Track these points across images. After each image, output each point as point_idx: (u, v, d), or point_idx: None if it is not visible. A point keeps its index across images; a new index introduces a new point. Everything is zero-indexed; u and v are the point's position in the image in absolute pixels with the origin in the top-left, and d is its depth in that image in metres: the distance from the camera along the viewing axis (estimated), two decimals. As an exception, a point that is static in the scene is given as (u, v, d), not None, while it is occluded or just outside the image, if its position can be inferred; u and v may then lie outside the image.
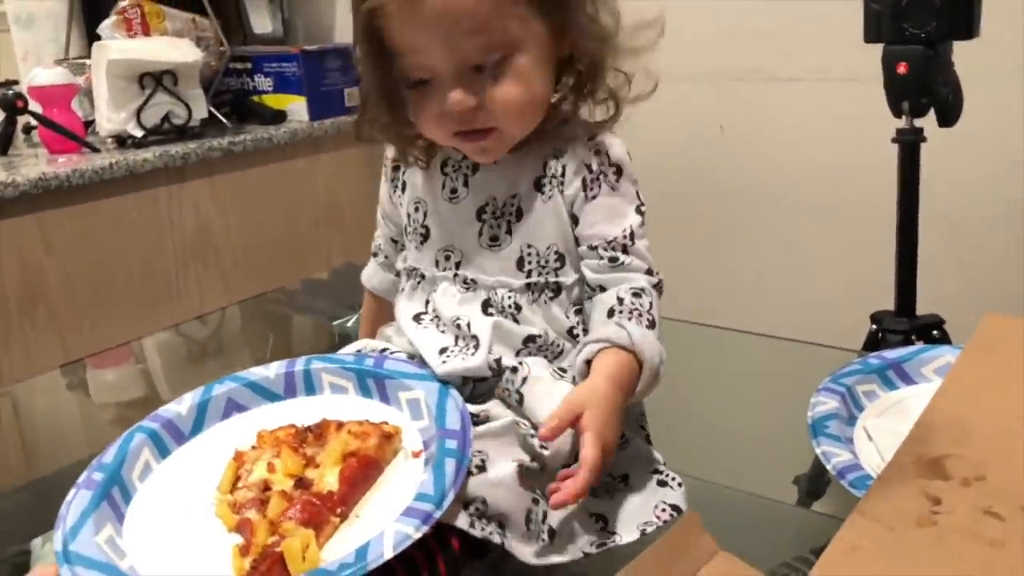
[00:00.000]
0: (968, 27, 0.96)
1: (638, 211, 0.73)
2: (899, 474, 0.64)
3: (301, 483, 0.65)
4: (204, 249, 1.76)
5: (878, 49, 1.01)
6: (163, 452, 0.72)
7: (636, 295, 0.70)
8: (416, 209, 0.78)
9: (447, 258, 0.76)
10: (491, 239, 0.74)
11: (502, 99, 0.67)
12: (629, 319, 0.68)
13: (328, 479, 0.64)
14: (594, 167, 0.72)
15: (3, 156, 1.68)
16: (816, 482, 0.93)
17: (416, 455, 0.68)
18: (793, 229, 1.52)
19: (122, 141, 1.72)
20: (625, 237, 0.72)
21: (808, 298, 1.49)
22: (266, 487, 0.65)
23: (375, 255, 0.89)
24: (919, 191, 1.02)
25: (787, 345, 1.00)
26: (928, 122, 1.05)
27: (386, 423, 0.69)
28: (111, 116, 1.69)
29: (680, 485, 0.70)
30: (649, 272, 0.72)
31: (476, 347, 0.71)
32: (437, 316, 0.76)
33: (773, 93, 1.54)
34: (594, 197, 0.72)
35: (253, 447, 0.71)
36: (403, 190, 0.80)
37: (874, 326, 1.05)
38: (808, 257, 1.50)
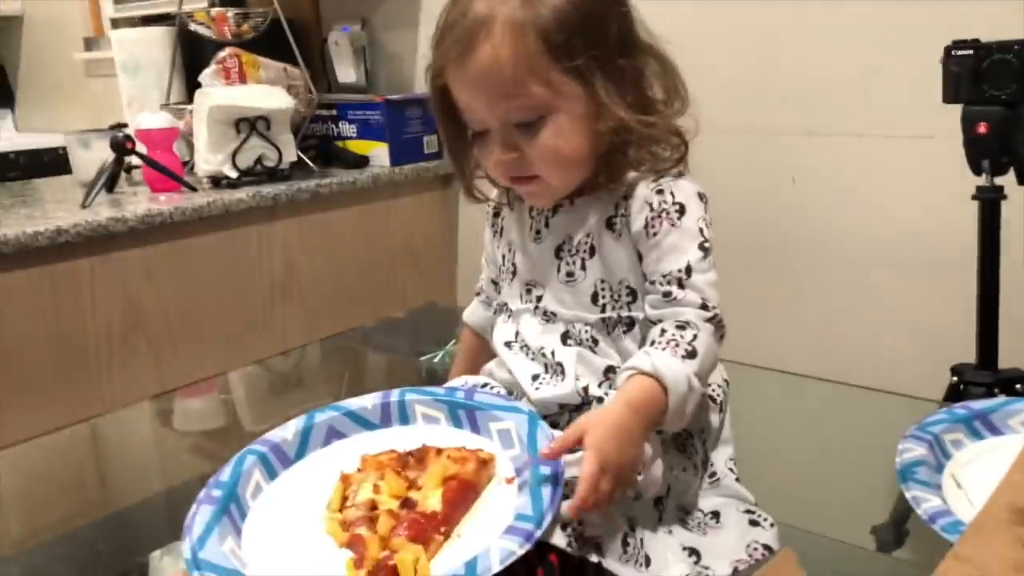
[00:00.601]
0: (1049, 89, 0.98)
1: (701, 247, 0.75)
2: (993, 521, 0.65)
3: (406, 503, 0.69)
4: (290, 286, 1.84)
5: (947, 108, 1.04)
6: (271, 474, 0.78)
7: (680, 327, 0.71)
8: (509, 250, 0.85)
9: (528, 291, 0.82)
10: (568, 275, 0.79)
11: (540, 154, 0.74)
12: (663, 349, 0.70)
13: (431, 500, 0.69)
14: (655, 205, 0.75)
15: (110, 194, 1.79)
16: (895, 532, 0.94)
17: (509, 481, 0.72)
18: (865, 281, 1.53)
19: (217, 182, 1.82)
20: (680, 272, 0.74)
21: (883, 350, 1.49)
22: (373, 507, 0.70)
23: (478, 294, 0.95)
24: (1000, 245, 1.03)
25: (867, 394, 1.02)
26: (1007, 180, 1.07)
27: (481, 450, 0.74)
28: (209, 158, 1.79)
29: (772, 526, 0.73)
30: (704, 307, 0.73)
31: (563, 375, 0.76)
32: (525, 345, 0.81)
33: (844, 148, 1.57)
34: (655, 234, 0.75)
35: (358, 470, 0.76)
36: (501, 235, 0.87)
37: (955, 378, 1.06)
38: (882, 308, 1.51)
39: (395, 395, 0.84)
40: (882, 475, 0.85)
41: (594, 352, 0.77)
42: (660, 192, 0.76)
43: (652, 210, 0.75)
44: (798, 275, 1.61)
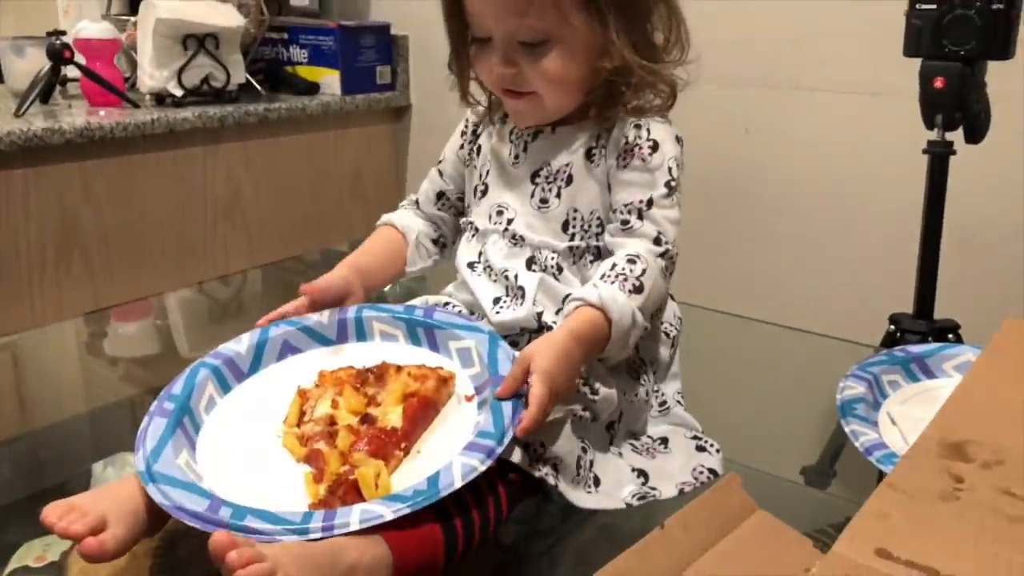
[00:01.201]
0: (1005, 48, 1.00)
1: (667, 185, 0.76)
2: (924, 454, 0.69)
3: (366, 419, 0.69)
4: (233, 211, 1.79)
5: (902, 66, 1.06)
6: (225, 387, 0.77)
7: (631, 261, 0.73)
8: (484, 169, 0.85)
9: (499, 213, 0.82)
10: (541, 201, 0.79)
11: (539, 73, 0.75)
12: (611, 282, 0.71)
13: (391, 416, 0.69)
14: (630, 139, 0.77)
15: (44, 105, 1.71)
16: (825, 471, 0.98)
17: (469, 399, 0.72)
18: (813, 232, 1.57)
19: (161, 99, 1.75)
20: (642, 203, 0.75)
21: (826, 297, 1.53)
22: (332, 422, 0.70)
23: (407, 202, 0.94)
24: (944, 202, 1.06)
25: (809, 337, 1.05)
26: (955, 137, 1.09)
27: (441, 368, 0.74)
28: (154, 73, 1.72)
29: (718, 451, 0.75)
30: (657, 241, 0.75)
31: (522, 299, 0.76)
32: (489, 266, 0.81)
33: (798, 101, 1.58)
34: (625, 166, 0.77)
35: (316, 385, 0.75)
36: (477, 153, 0.86)
37: (892, 326, 1.10)
38: (827, 259, 1.54)
39: (352, 311, 0.82)
40: (817, 415, 0.88)
41: (557, 279, 0.77)
42: (638, 127, 0.77)
43: (627, 143, 0.76)
44: (749, 223, 1.64)
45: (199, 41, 1.74)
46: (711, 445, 0.76)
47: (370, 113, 2.03)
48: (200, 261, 1.74)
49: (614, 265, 0.73)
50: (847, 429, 0.76)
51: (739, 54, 1.61)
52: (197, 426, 0.72)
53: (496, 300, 0.78)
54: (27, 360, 1.32)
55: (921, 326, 1.06)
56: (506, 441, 0.63)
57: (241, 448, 0.70)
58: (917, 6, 1.03)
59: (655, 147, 0.76)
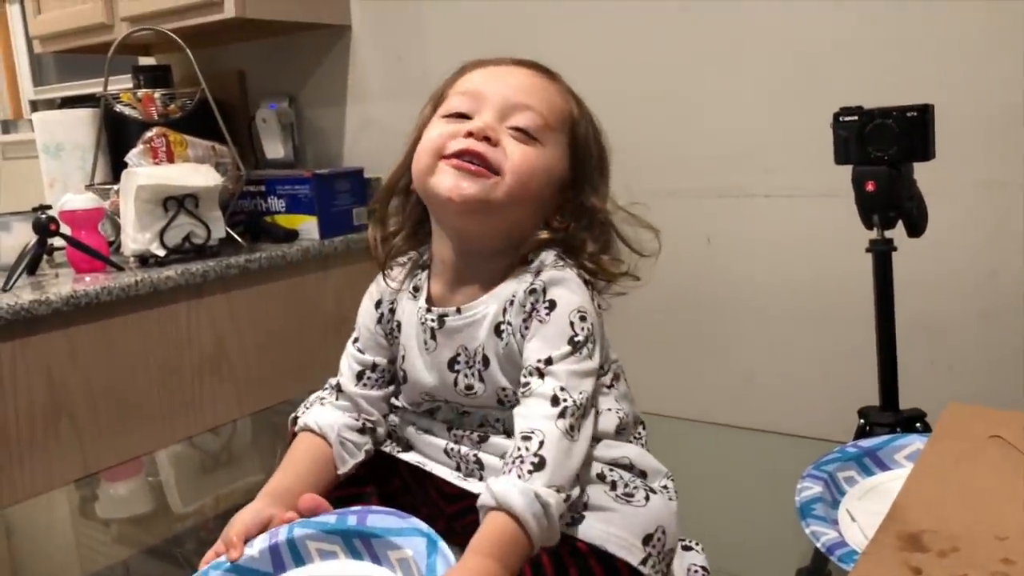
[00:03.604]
0: (924, 150, 1.07)
1: (570, 342, 0.72)
2: (882, 549, 0.70)
3: None
4: (219, 362, 1.83)
5: (842, 169, 1.12)
6: None
7: (525, 439, 0.68)
8: (402, 354, 0.83)
9: (430, 399, 0.81)
10: (467, 387, 0.78)
11: (518, 156, 0.73)
12: (509, 471, 0.67)
13: None
14: (527, 307, 0.74)
15: (31, 276, 1.77)
16: (817, 574, 0.98)
17: None
18: (780, 332, 1.60)
19: (144, 260, 1.81)
20: (540, 362, 0.71)
21: (798, 396, 1.56)
22: None
23: (338, 388, 0.87)
24: (894, 295, 1.11)
25: (778, 439, 1.07)
26: (898, 233, 1.15)
27: None
28: (136, 237, 1.79)
29: (703, 550, 0.76)
30: (555, 401, 0.69)
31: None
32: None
33: (752, 208, 1.66)
34: (527, 331, 0.74)
35: None
36: (399, 329, 0.84)
37: (862, 420, 1.12)
38: (794, 357, 1.58)
39: (282, 533, 0.76)
40: (794, 518, 0.89)
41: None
42: (532, 292, 0.74)
43: (525, 311, 0.74)
44: (715, 329, 1.68)
45: (179, 202, 1.82)
46: (695, 544, 0.77)
47: (349, 253, 2.09)
48: (188, 416, 1.76)
49: (514, 450, 0.69)
50: (807, 530, 0.77)
51: (695, 169, 1.70)
52: None
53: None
54: (20, 531, 1.32)
55: (888, 418, 1.09)
56: None
57: None
58: (841, 119, 1.11)
59: (552, 306, 0.73)
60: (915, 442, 0.91)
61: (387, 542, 0.72)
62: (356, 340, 0.86)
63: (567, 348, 0.71)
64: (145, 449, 1.60)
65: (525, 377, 0.72)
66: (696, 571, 0.75)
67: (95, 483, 1.49)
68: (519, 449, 0.68)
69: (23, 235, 1.82)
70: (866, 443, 0.92)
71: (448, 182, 0.73)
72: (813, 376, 1.54)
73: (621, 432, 0.77)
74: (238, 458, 1.68)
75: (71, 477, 1.52)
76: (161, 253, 1.80)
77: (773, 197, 1.62)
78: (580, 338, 0.72)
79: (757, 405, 1.58)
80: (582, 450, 0.69)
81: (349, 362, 0.86)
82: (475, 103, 0.75)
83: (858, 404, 1.20)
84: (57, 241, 1.83)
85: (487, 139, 0.73)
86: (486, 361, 0.76)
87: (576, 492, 0.68)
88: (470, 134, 0.73)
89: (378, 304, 0.85)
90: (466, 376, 0.77)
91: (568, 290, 0.73)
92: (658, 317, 1.67)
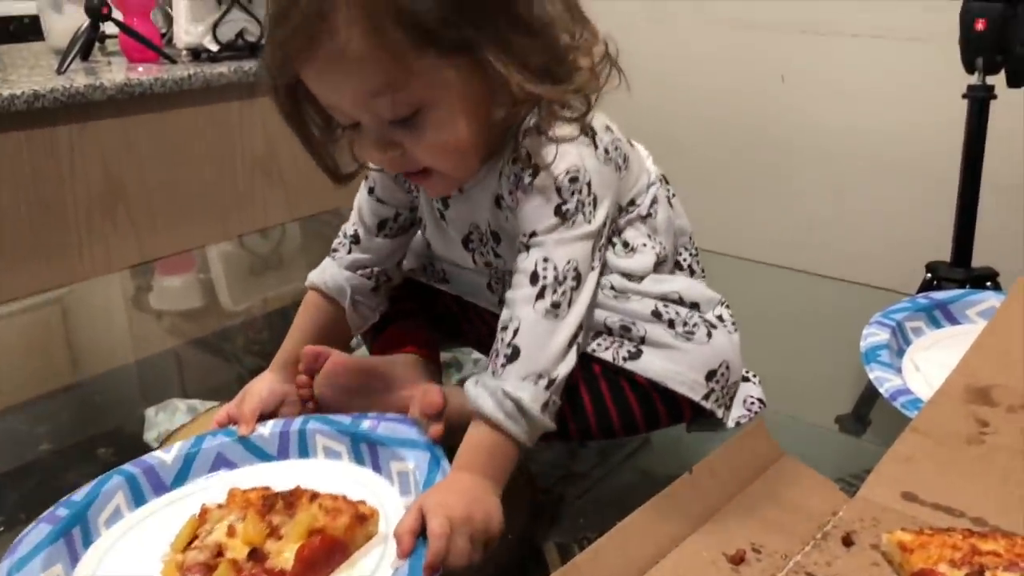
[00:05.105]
0: (1050, -12, 0.98)
1: (557, 210, 0.66)
2: (949, 400, 0.70)
3: (255, 555, 0.60)
4: (270, 164, 1.82)
5: (941, 11, 1.04)
6: (138, 499, 0.70)
7: (503, 329, 0.66)
8: (421, 217, 0.80)
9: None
10: (485, 264, 0.76)
11: (425, 148, 0.66)
12: (488, 368, 0.65)
13: (286, 555, 0.60)
14: (511, 177, 0.68)
15: (84, 62, 1.74)
16: (859, 420, 0.99)
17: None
18: (850, 180, 1.55)
19: (197, 54, 1.77)
20: (525, 236, 0.67)
21: (862, 245, 1.53)
22: (219, 552, 0.61)
23: (335, 251, 0.83)
24: (984, 147, 1.05)
25: (845, 286, 1.05)
26: (997, 80, 1.07)
27: (363, 503, 0.65)
28: (189, 29, 1.74)
29: (760, 381, 0.76)
30: (534, 278, 0.65)
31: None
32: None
33: (836, 47, 1.56)
34: (515, 203, 0.68)
35: (220, 505, 0.66)
36: (418, 190, 0.79)
37: (929, 275, 1.09)
38: (863, 207, 1.54)
39: (297, 423, 0.75)
40: (850, 363, 0.88)
41: None
42: (515, 161, 0.68)
43: (510, 182, 0.68)
44: (784, 171, 1.63)
45: (233, -5, 1.75)
46: (753, 375, 0.76)
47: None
48: (239, 214, 1.77)
49: (495, 343, 0.66)
50: (871, 376, 0.76)
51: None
52: (89, 540, 0.65)
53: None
54: (76, 312, 1.37)
55: (958, 274, 1.06)
56: None
57: (122, 570, 0.62)
58: (959, -55, 1.01)
59: (535, 173, 0.67)
60: (990, 299, 0.88)
61: (392, 452, 0.70)
62: (372, 190, 0.81)
63: (554, 220, 0.66)
64: (196, 243, 1.63)
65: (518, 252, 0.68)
66: (752, 402, 0.74)
67: (149, 274, 1.53)
68: (498, 343, 0.65)
69: (75, 18, 1.77)
70: (939, 295, 0.90)
71: (422, 187, 0.74)
72: (879, 227, 1.51)
73: (660, 266, 0.74)
74: (287, 262, 1.70)
75: (126, 264, 1.56)
76: (214, 48, 1.75)
77: (861, 37, 1.52)
78: (570, 205, 0.66)
79: (818, 249, 1.55)
80: (573, 321, 0.65)
81: (370, 213, 0.82)
82: (348, 116, 0.66)
83: (923, 259, 1.17)
84: (109, 28, 1.78)
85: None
86: (496, 237, 0.74)
87: (563, 370, 0.65)
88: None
89: None
90: (482, 254, 0.75)
91: (551, 151, 0.67)
92: (722, 154, 1.61)
